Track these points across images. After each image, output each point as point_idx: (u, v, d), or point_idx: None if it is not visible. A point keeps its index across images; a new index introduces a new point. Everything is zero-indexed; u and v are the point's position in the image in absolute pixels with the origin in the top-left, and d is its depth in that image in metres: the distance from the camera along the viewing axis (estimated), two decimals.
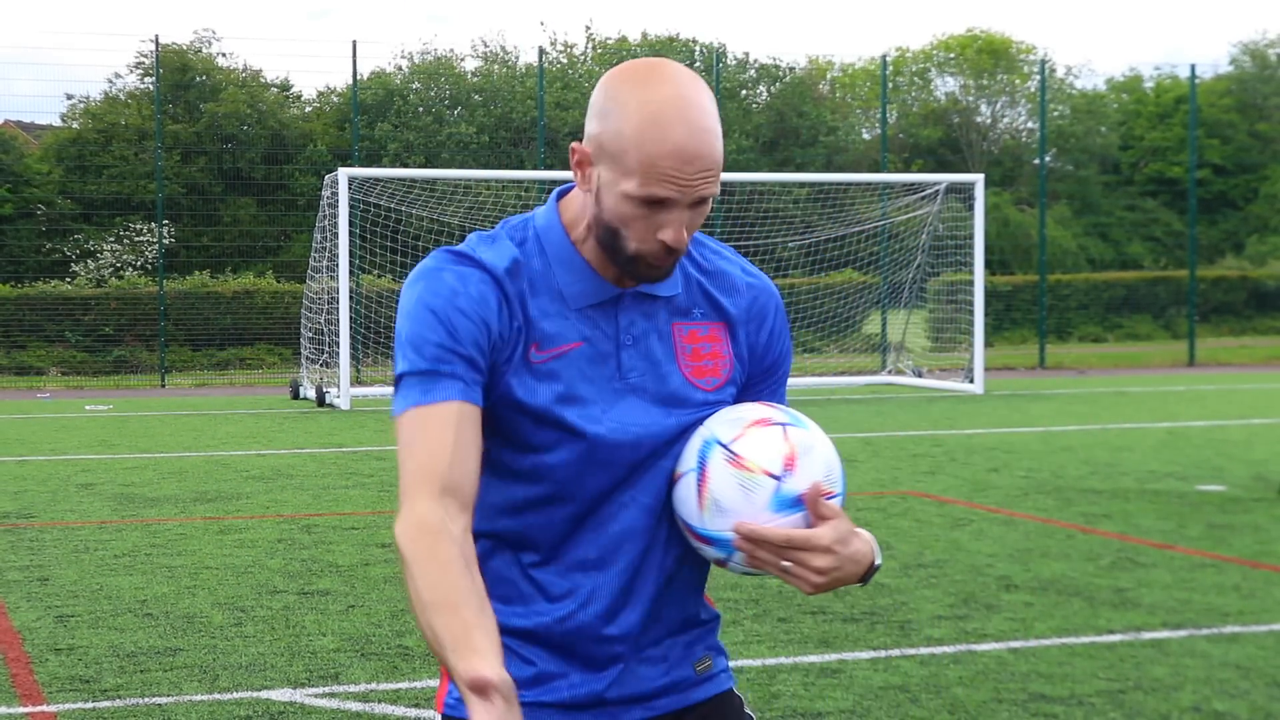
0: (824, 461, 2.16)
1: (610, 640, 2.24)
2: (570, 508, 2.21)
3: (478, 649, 1.89)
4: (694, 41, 42.09)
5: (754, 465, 2.13)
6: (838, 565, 2.09)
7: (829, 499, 2.14)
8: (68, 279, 29.89)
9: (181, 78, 33.71)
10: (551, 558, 2.23)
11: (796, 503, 2.11)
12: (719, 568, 2.26)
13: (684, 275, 2.27)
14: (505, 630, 2.21)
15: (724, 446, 2.16)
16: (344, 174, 21.36)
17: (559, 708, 2.25)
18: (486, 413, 2.16)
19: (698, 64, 40.44)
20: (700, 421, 2.24)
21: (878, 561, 2.17)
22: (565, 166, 32.02)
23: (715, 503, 2.14)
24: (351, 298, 21.98)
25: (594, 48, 41.82)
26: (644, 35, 42.63)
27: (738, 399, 2.30)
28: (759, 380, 2.33)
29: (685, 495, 2.18)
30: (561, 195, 2.24)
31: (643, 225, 2.10)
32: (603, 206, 2.12)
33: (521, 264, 2.18)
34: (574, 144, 2.17)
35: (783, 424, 2.17)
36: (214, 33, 37.04)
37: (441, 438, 2.07)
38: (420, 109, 36.63)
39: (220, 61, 35.39)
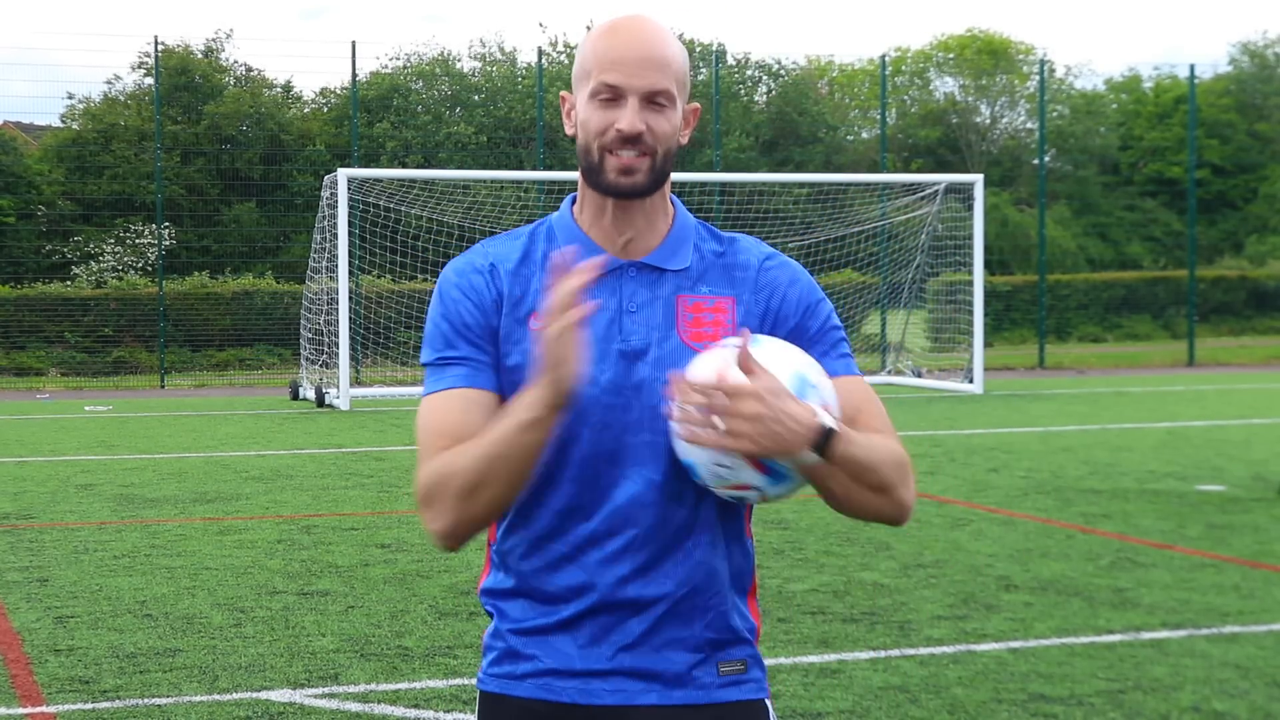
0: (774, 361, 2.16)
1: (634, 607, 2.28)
2: (570, 476, 2.27)
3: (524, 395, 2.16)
4: (695, 42, 42.08)
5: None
6: (769, 414, 2.07)
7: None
8: (67, 280, 29.87)
9: (183, 79, 33.68)
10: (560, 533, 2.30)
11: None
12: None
13: (699, 253, 2.35)
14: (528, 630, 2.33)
15: None
16: (343, 174, 21.35)
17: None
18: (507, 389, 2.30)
19: (698, 64, 40.42)
20: None
21: (828, 424, 2.12)
22: (565, 167, 32.04)
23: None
24: (351, 298, 21.97)
25: None
26: None
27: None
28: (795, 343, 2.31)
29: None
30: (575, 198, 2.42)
31: (602, 121, 2.26)
32: (578, 130, 2.31)
33: (529, 247, 2.35)
34: (562, 93, 2.40)
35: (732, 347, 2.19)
36: (227, 34, 36.93)
37: (448, 413, 2.26)
38: (419, 108, 36.62)
39: (221, 61, 35.36)
